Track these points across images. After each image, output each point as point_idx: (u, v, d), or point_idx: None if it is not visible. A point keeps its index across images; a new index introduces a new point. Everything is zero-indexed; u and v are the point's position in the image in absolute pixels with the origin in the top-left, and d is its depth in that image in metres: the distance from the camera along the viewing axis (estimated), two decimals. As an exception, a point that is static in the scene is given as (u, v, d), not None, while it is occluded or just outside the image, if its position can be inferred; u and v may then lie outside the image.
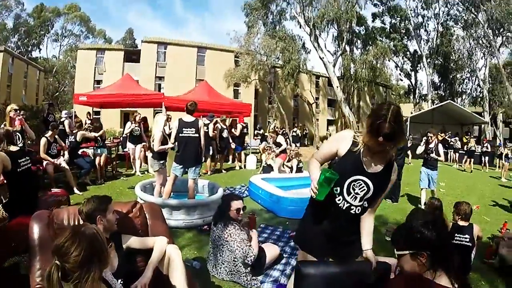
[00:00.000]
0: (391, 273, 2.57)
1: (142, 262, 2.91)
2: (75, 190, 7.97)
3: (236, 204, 4.26)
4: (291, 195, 7.27)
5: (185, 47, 35.73)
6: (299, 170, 11.67)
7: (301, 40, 33.91)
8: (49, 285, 1.67)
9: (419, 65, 42.60)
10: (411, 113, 31.13)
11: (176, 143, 6.48)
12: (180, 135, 6.34)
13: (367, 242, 2.60)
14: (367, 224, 2.64)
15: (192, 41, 36.95)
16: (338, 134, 2.72)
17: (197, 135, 6.45)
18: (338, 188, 2.51)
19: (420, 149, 8.52)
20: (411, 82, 46.19)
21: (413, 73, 45.06)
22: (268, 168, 11.62)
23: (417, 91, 45.36)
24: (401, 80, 48.83)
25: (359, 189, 2.48)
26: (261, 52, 30.21)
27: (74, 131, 9.79)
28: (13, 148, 4.54)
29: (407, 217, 2.41)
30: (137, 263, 2.92)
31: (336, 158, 2.60)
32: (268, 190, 7.60)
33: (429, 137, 8.25)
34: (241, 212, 4.29)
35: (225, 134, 13.04)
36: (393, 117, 2.16)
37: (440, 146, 8.19)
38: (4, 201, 4.65)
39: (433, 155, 8.10)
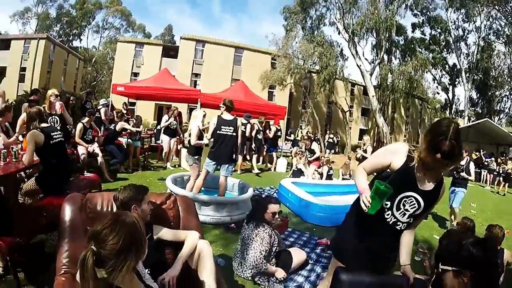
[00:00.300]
0: None
1: (170, 254, 2.92)
2: (106, 177, 8.08)
3: (273, 208, 4.20)
4: (321, 201, 7.14)
5: (222, 46, 36.04)
6: (329, 177, 11.55)
7: (339, 46, 33.72)
8: (82, 270, 1.65)
9: (457, 79, 41.59)
10: None
11: (212, 139, 6.50)
12: (218, 132, 6.33)
13: (406, 256, 2.54)
14: (408, 239, 2.58)
15: (229, 41, 37.20)
16: (392, 146, 2.63)
17: (234, 133, 6.44)
18: (389, 203, 2.43)
19: None
20: (448, 96, 45.27)
21: (451, 87, 44.09)
22: (297, 172, 11.56)
23: (453, 106, 44.43)
24: (438, 93, 47.78)
25: (410, 205, 2.41)
26: (298, 56, 30.09)
27: (111, 119, 9.98)
28: (44, 125, 4.65)
29: (446, 235, 2.38)
30: (166, 255, 2.93)
31: (388, 170, 2.50)
32: (298, 194, 7.51)
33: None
34: (277, 216, 4.25)
35: (260, 135, 13.07)
36: (454, 134, 2.10)
37: (471, 164, 7.80)
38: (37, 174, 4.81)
39: (463, 174, 7.65)
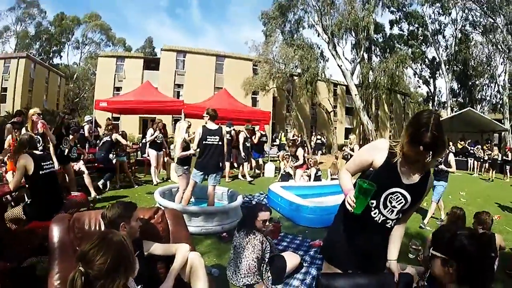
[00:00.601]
0: (414, 284, 2.49)
1: (162, 269, 2.93)
2: (93, 194, 8.02)
3: (263, 215, 4.19)
4: (310, 203, 7.17)
5: (203, 55, 36.02)
6: (317, 178, 11.59)
7: (319, 48, 33.76)
8: None
9: (437, 72, 42.31)
10: None
11: (198, 149, 6.51)
12: (204, 142, 6.34)
13: (393, 251, 2.52)
14: (398, 233, 2.56)
15: (210, 50, 37.21)
16: (373, 144, 2.59)
17: (220, 143, 6.46)
18: (374, 202, 2.40)
19: None
20: (429, 89, 45.91)
21: (431, 80, 44.72)
22: (286, 176, 11.58)
23: (436, 98, 45.00)
24: (420, 87, 48.31)
25: (397, 202, 2.38)
26: (279, 60, 30.19)
27: (96, 135, 9.92)
28: (36, 152, 4.61)
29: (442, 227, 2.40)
30: (158, 269, 2.93)
31: (371, 169, 2.48)
32: (287, 198, 7.56)
33: None
34: (267, 223, 4.26)
35: (248, 143, 13.07)
36: (435, 125, 2.07)
37: (451, 156, 7.48)
38: (25, 202, 4.72)
39: (441, 166, 7.35)
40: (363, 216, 2.37)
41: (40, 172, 4.42)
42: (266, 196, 8.97)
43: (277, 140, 20.26)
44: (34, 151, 4.57)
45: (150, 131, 11.10)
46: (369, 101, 36.75)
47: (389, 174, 2.35)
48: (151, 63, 36.74)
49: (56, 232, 2.76)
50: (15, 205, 4.72)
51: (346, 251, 2.56)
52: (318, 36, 31.83)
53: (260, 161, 14.04)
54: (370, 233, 2.48)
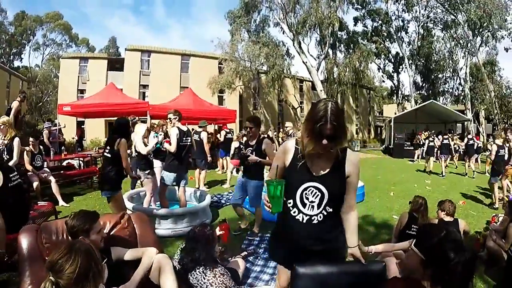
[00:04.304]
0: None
1: (132, 272, 2.90)
2: (61, 202, 7.89)
3: (216, 235, 3.72)
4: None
5: (168, 55, 35.75)
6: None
7: (285, 45, 34.24)
8: None
9: (401, 66, 43.21)
10: (395, 113, 31.68)
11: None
12: (180, 143, 6.32)
13: (351, 239, 2.45)
14: (350, 221, 2.46)
15: (175, 49, 37.00)
16: (281, 147, 2.52)
17: (190, 143, 6.56)
18: (291, 201, 2.36)
19: None
20: (393, 83, 46.71)
21: (395, 75, 45.55)
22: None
23: (400, 92, 45.92)
24: (384, 81, 49.40)
25: (313, 196, 2.30)
26: (245, 58, 30.27)
27: (60, 142, 9.70)
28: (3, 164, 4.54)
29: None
30: (128, 275, 2.89)
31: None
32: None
33: None
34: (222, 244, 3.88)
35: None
36: (334, 116, 2.05)
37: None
38: None
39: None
40: (286, 217, 2.39)
41: (9, 185, 4.34)
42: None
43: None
44: (1, 163, 4.49)
45: (152, 139, 8.18)
46: (335, 96, 37.19)
47: (298, 170, 2.31)
48: (116, 64, 36.12)
49: (24, 244, 2.76)
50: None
51: (288, 251, 2.49)
52: (284, 33, 32.14)
53: (227, 159, 13.94)
54: (300, 231, 2.37)
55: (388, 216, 7.28)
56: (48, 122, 12.52)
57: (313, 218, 2.33)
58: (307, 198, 2.31)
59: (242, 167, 6.21)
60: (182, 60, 36.12)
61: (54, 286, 1.71)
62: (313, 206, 2.31)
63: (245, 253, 4.88)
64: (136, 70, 34.55)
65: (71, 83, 34.14)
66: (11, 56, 55.78)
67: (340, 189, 2.35)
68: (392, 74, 45.90)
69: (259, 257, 4.91)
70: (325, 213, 2.33)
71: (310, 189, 2.30)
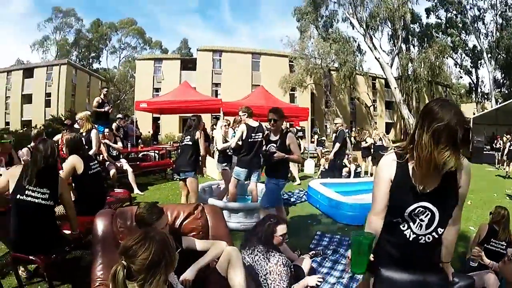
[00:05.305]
0: None
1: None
2: (136, 191, 8.40)
3: (282, 229, 3.63)
4: (350, 200, 7.00)
5: (239, 54, 36.31)
6: (357, 175, 11.50)
7: (356, 41, 33.46)
8: (113, 283, 1.72)
9: (479, 61, 40.15)
10: (473, 113, 29.41)
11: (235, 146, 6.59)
12: (249, 140, 6.32)
13: (444, 255, 2.23)
14: (448, 235, 2.16)
15: (246, 48, 37.48)
16: (379, 166, 2.20)
17: (262, 139, 6.37)
18: (400, 219, 2.07)
19: None
20: (472, 80, 43.98)
21: (473, 70, 42.83)
22: (326, 173, 11.34)
23: (479, 89, 43.13)
24: (461, 78, 46.14)
25: (424, 216, 2.00)
26: (315, 55, 29.99)
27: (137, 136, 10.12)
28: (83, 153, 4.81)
29: None
30: None
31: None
32: (327, 195, 7.40)
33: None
34: (286, 238, 3.72)
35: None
36: (463, 118, 1.79)
37: None
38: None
39: None
40: (393, 231, 2.12)
41: (89, 172, 4.60)
42: (305, 193, 8.88)
43: (316, 135, 19.96)
44: (82, 152, 4.75)
45: (218, 132, 7.92)
46: (409, 94, 35.86)
47: (403, 190, 2.01)
48: (188, 64, 37.33)
49: (100, 226, 2.92)
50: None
51: (387, 269, 2.15)
52: (353, 29, 31.44)
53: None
54: (404, 249, 2.12)
55: (465, 226, 6.57)
56: (120, 115, 13.08)
57: (420, 237, 2.06)
58: (417, 216, 2.03)
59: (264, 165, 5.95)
60: (253, 59, 36.51)
61: (125, 270, 1.73)
62: (421, 226, 2.04)
63: (313, 252, 4.78)
64: (208, 69, 35.43)
65: (146, 83, 35.84)
66: (90, 60, 60.50)
67: (455, 205, 2.05)
68: (470, 69, 43.32)
69: (327, 259, 4.76)
70: (436, 236, 2.07)
71: (419, 209, 2.00)
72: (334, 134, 10.82)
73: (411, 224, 2.04)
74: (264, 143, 5.74)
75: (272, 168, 5.29)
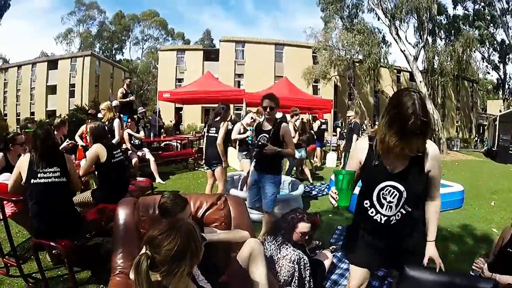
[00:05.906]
0: None
1: (222, 254, 2.94)
2: (158, 179, 8.56)
3: (303, 227, 3.60)
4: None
5: (262, 45, 36.33)
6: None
7: (381, 32, 32.71)
8: (137, 272, 1.69)
9: (508, 56, 39.05)
10: (500, 111, 28.66)
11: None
12: None
13: (429, 233, 2.34)
14: (429, 211, 2.34)
15: (269, 39, 37.33)
16: (355, 147, 2.44)
17: None
18: (368, 201, 2.28)
19: None
20: (499, 75, 42.72)
21: (501, 65, 41.65)
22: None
23: (507, 86, 41.95)
24: (489, 73, 44.72)
25: (391, 196, 2.18)
26: (339, 46, 29.70)
27: (160, 125, 10.24)
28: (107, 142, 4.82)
29: None
30: (218, 255, 2.91)
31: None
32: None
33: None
34: (307, 237, 3.70)
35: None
36: (422, 110, 1.90)
37: None
38: (93, 188, 5.05)
39: None
40: (364, 217, 2.33)
41: (112, 161, 4.61)
42: (327, 186, 8.81)
43: (338, 129, 19.74)
44: (106, 141, 4.76)
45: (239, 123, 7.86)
46: (435, 88, 35.10)
47: (374, 170, 2.20)
48: (211, 55, 37.61)
49: (122, 214, 2.93)
50: (83, 190, 4.95)
51: (366, 251, 2.44)
52: (379, 20, 30.72)
53: (319, 150, 13.64)
54: (378, 232, 2.33)
55: (487, 228, 6.38)
56: (142, 107, 13.15)
57: (391, 218, 2.23)
58: (385, 199, 2.20)
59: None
60: (276, 50, 36.52)
61: (149, 260, 1.69)
62: (391, 207, 2.21)
63: (334, 247, 4.56)
64: (231, 60, 35.63)
65: (169, 73, 36.38)
66: (113, 51, 62.09)
67: (420, 186, 2.20)
68: (498, 64, 42.17)
69: (348, 254, 4.61)
70: (404, 212, 2.22)
71: (387, 189, 2.18)
72: (349, 127, 10.70)
73: (378, 208, 2.23)
74: (254, 133, 5.12)
75: (265, 162, 4.77)
